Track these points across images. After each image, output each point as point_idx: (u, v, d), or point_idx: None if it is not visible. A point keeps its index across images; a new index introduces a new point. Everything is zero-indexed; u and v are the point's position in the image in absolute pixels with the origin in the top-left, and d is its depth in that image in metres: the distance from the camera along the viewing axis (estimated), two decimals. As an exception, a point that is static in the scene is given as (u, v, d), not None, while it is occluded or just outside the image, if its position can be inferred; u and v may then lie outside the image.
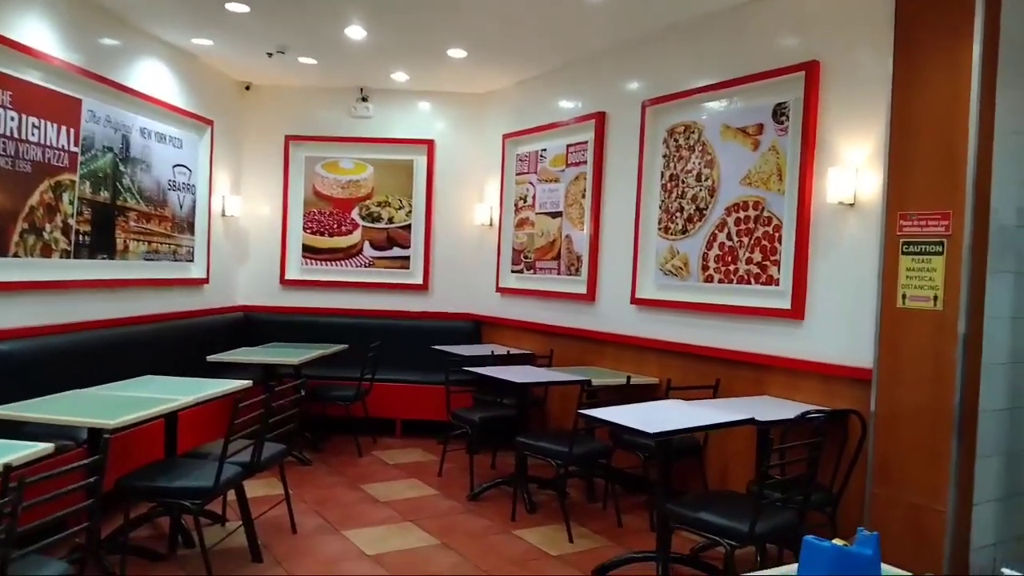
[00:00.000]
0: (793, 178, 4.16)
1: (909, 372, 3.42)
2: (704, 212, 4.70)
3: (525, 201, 6.38)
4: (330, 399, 5.82)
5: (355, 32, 5.33)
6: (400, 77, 6.54)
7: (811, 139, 4.05)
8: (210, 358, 5.32)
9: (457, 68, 6.14)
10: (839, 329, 3.94)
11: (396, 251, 7.07)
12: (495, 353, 5.77)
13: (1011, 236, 3.46)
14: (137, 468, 3.50)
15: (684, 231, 4.84)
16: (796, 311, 4.10)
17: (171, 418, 3.86)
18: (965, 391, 3.26)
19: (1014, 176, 3.40)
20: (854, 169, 3.85)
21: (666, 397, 4.34)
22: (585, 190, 5.70)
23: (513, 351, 6.03)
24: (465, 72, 6.27)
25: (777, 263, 4.24)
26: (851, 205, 3.87)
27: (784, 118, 4.23)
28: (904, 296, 3.48)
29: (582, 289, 5.67)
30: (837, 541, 1.66)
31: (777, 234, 4.25)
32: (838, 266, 3.95)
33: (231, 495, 3.86)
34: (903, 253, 3.50)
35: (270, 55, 5.90)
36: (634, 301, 5.17)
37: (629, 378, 4.53)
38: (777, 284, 4.24)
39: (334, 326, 6.87)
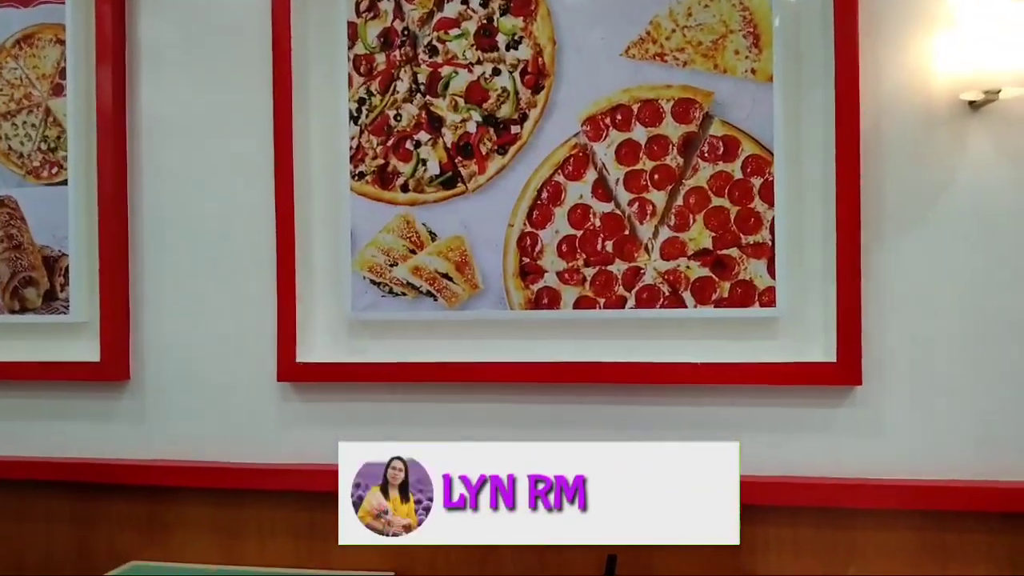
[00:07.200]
0: (813, 45, 1.70)
1: None
2: (517, 130, 1.82)
3: None
4: None
5: None
6: None
7: (849, -51, 1.66)
8: None
9: None
10: (952, 405, 1.68)
11: None
12: None
13: None
14: None
15: (451, 180, 1.85)
16: (846, 369, 1.67)
17: None
18: None
19: None
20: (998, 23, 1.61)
21: None
22: (58, 68, 2.02)
23: None
24: None
25: (768, 252, 1.72)
26: (978, 104, 1.64)
27: None
28: None
29: (78, 353, 1.99)
30: None
31: (759, 181, 1.73)
32: (945, 257, 1.68)
33: None
34: None
35: None
36: (287, 374, 1.89)
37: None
38: (771, 304, 1.72)
39: None
